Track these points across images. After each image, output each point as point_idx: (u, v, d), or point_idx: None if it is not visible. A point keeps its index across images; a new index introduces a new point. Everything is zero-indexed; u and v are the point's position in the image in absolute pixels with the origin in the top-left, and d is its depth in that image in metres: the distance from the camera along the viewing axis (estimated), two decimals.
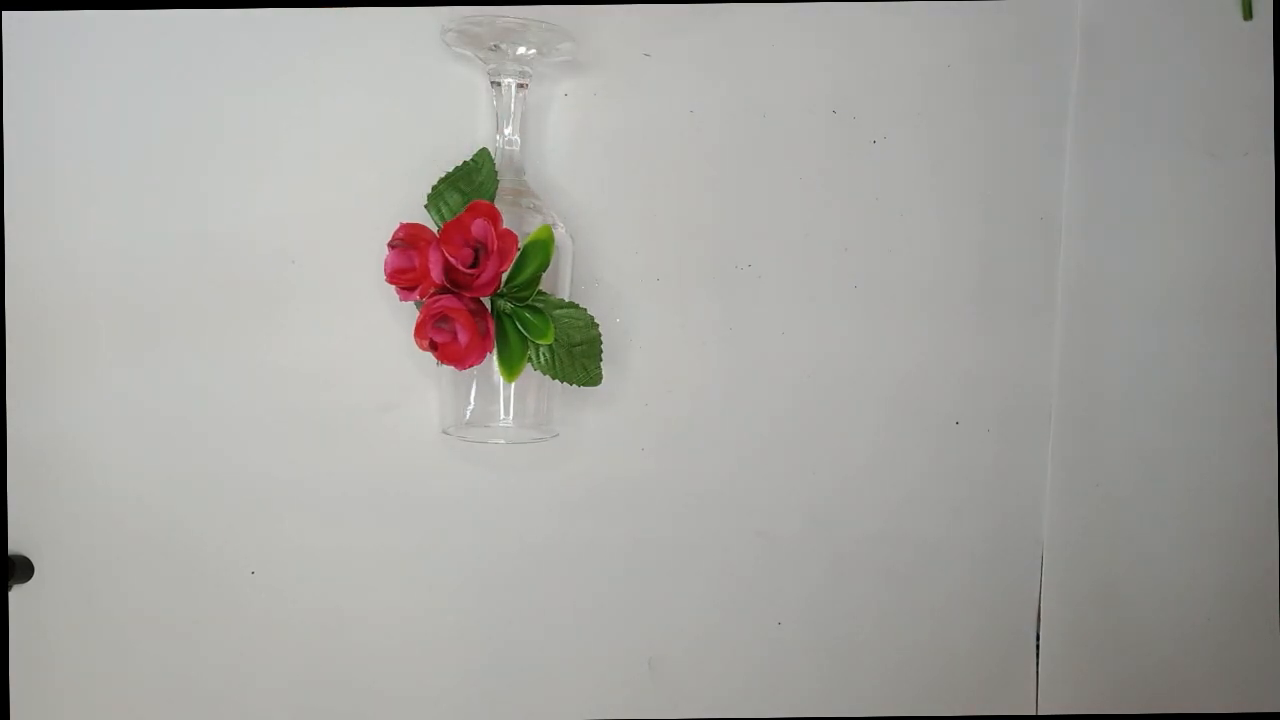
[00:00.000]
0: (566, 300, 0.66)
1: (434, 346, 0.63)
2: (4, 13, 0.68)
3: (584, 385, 0.67)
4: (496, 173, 0.67)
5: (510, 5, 0.64)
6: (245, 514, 0.71)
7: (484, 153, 0.67)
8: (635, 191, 0.72)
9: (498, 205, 0.65)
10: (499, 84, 0.67)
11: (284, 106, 0.71)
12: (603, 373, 0.68)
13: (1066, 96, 0.73)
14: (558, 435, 0.70)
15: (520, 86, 0.67)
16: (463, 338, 0.62)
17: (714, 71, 0.72)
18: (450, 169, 0.67)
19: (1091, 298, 0.74)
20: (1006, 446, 0.74)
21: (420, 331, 0.63)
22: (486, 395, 0.67)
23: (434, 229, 0.65)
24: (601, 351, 0.67)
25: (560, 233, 0.67)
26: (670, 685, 0.74)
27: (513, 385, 0.66)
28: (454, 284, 0.63)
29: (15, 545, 0.71)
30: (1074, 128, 0.73)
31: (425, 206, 0.67)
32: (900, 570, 0.74)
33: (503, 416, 0.67)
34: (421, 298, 0.63)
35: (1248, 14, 0.72)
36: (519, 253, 0.64)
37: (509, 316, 0.64)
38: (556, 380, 0.66)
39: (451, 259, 0.62)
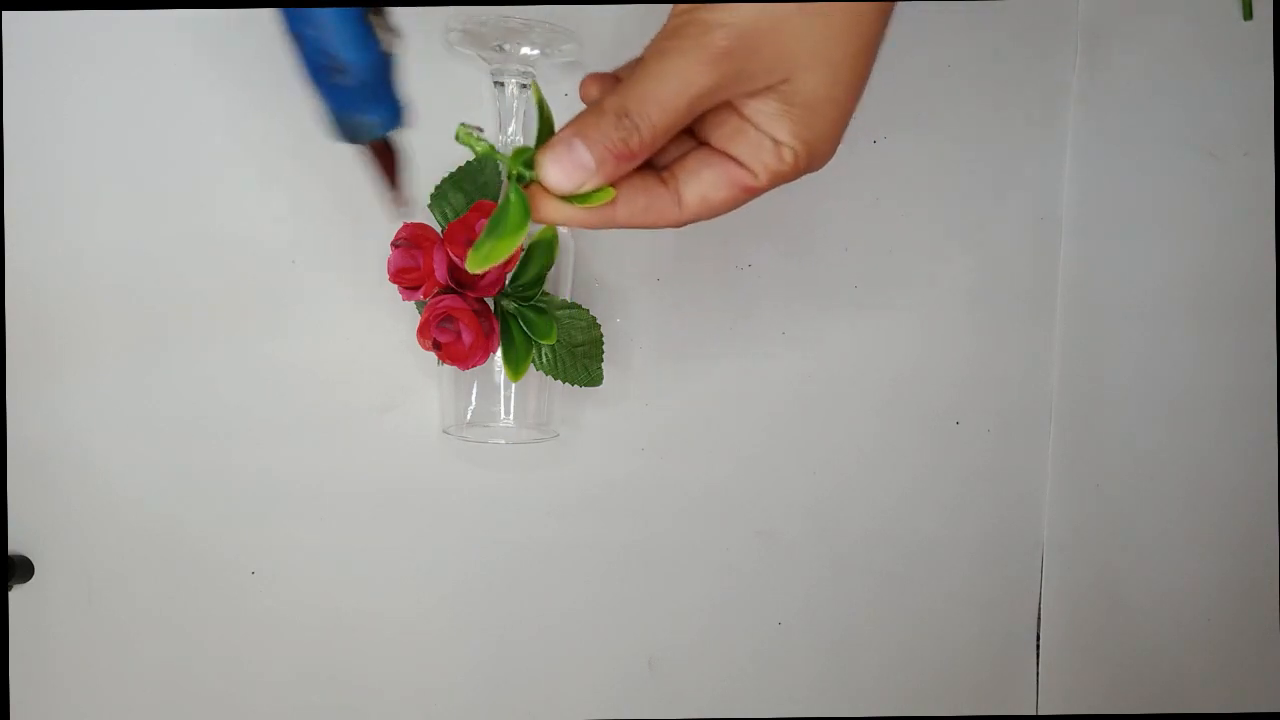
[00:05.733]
0: (569, 300, 0.66)
1: (437, 346, 0.63)
2: (4, 13, 0.68)
3: (586, 385, 0.67)
4: (500, 173, 0.67)
5: (509, 5, 0.64)
6: (246, 514, 0.71)
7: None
8: None
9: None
10: (502, 84, 0.67)
11: (286, 105, 0.71)
12: (604, 373, 0.68)
13: (1066, 96, 0.73)
14: (558, 435, 0.70)
15: (523, 87, 0.67)
16: (467, 338, 0.62)
17: None
18: (453, 169, 0.67)
19: (1091, 298, 0.74)
20: (1006, 446, 0.74)
21: (424, 331, 0.63)
22: (487, 395, 0.67)
23: (437, 229, 0.65)
24: (603, 352, 0.67)
25: (563, 233, 0.67)
26: (670, 685, 0.74)
27: (514, 385, 0.66)
28: (458, 284, 0.63)
29: (15, 545, 0.71)
30: (1074, 128, 0.73)
31: (428, 206, 0.67)
32: (900, 570, 0.74)
33: (503, 416, 0.67)
34: (425, 298, 0.63)
35: (1248, 14, 0.72)
36: (523, 253, 0.64)
37: (513, 316, 0.64)
38: (558, 380, 0.66)
39: (456, 259, 0.62)
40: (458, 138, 0.47)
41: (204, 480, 0.71)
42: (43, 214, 0.70)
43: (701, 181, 0.49)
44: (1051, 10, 0.73)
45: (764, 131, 0.48)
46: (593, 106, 0.46)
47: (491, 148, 0.47)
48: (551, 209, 0.47)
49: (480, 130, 0.47)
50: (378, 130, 0.52)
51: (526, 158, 0.47)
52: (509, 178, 0.47)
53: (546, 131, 0.48)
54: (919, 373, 0.74)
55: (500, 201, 0.47)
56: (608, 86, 0.50)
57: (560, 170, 0.46)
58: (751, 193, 0.49)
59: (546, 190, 0.47)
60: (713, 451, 0.73)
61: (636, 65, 0.46)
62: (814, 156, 0.49)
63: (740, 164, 0.48)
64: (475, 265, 0.47)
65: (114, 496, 0.71)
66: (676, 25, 0.45)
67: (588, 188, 0.47)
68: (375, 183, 0.55)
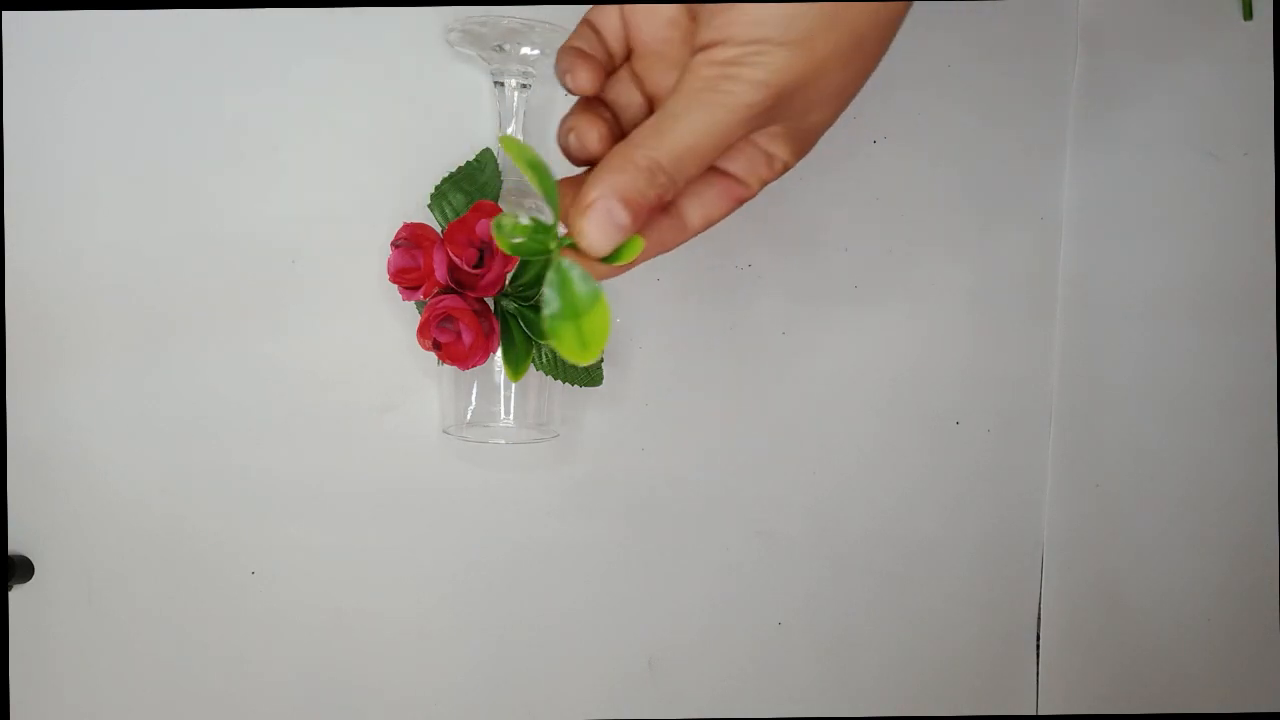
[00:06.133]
0: None
1: (437, 346, 0.63)
2: (4, 13, 0.68)
3: (586, 386, 0.67)
4: (500, 173, 0.67)
5: (510, 4, 0.64)
6: (246, 513, 0.71)
7: (487, 153, 0.67)
8: None
9: (501, 205, 0.65)
10: (502, 84, 0.67)
11: (286, 106, 0.71)
12: (604, 373, 0.68)
13: (1066, 96, 0.73)
14: (558, 435, 0.70)
15: (523, 87, 0.67)
16: (467, 338, 0.62)
17: None
18: (453, 169, 0.67)
19: (1091, 298, 0.74)
20: (1006, 446, 0.74)
21: (424, 331, 0.63)
22: (487, 395, 0.67)
23: (437, 229, 0.65)
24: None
25: (563, 233, 0.66)
26: (670, 685, 0.74)
27: (514, 385, 0.66)
28: (458, 284, 0.63)
29: (15, 545, 0.71)
30: (1074, 128, 0.73)
31: (428, 206, 0.67)
32: (900, 570, 0.74)
33: (503, 416, 0.67)
34: (425, 298, 0.63)
35: (1248, 14, 0.72)
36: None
37: (513, 316, 0.64)
38: (558, 380, 0.67)
39: (456, 259, 0.62)
40: (501, 229, 0.44)
41: (204, 480, 0.71)
42: (43, 214, 0.70)
43: (704, 202, 0.49)
44: (1051, 10, 0.73)
45: (760, 148, 0.48)
46: (619, 156, 0.45)
47: (531, 229, 0.45)
48: (588, 269, 0.46)
49: (519, 217, 0.44)
50: None
51: (558, 233, 0.45)
52: (551, 252, 0.45)
53: (549, 186, 0.45)
54: (919, 373, 0.74)
55: (552, 278, 0.44)
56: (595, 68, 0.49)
57: (601, 234, 0.45)
58: (744, 202, 0.50)
59: (578, 252, 0.45)
60: (713, 451, 0.73)
61: (662, 111, 0.45)
62: (799, 160, 0.49)
63: (735, 178, 0.49)
64: (585, 356, 0.45)
65: (114, 496, 0.71)
66: (713, 76, 0.44)
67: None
68: None
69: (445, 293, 0.63)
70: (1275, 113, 0.73)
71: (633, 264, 0.47)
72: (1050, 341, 0.74)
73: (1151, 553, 0.75)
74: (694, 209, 0.49)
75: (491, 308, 0.64)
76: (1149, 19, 0.73)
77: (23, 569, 0.70)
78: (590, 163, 0.48)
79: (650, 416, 0.73)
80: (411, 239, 0.64)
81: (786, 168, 0.49)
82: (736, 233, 0.73)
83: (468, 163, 0.67)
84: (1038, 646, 0.75)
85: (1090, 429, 0.74)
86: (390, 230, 0.65)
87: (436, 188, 0.67)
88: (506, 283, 0.64)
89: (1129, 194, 0.74)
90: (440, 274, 0.62)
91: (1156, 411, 0.74)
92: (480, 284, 0.63)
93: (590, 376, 0.67)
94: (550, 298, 0.44)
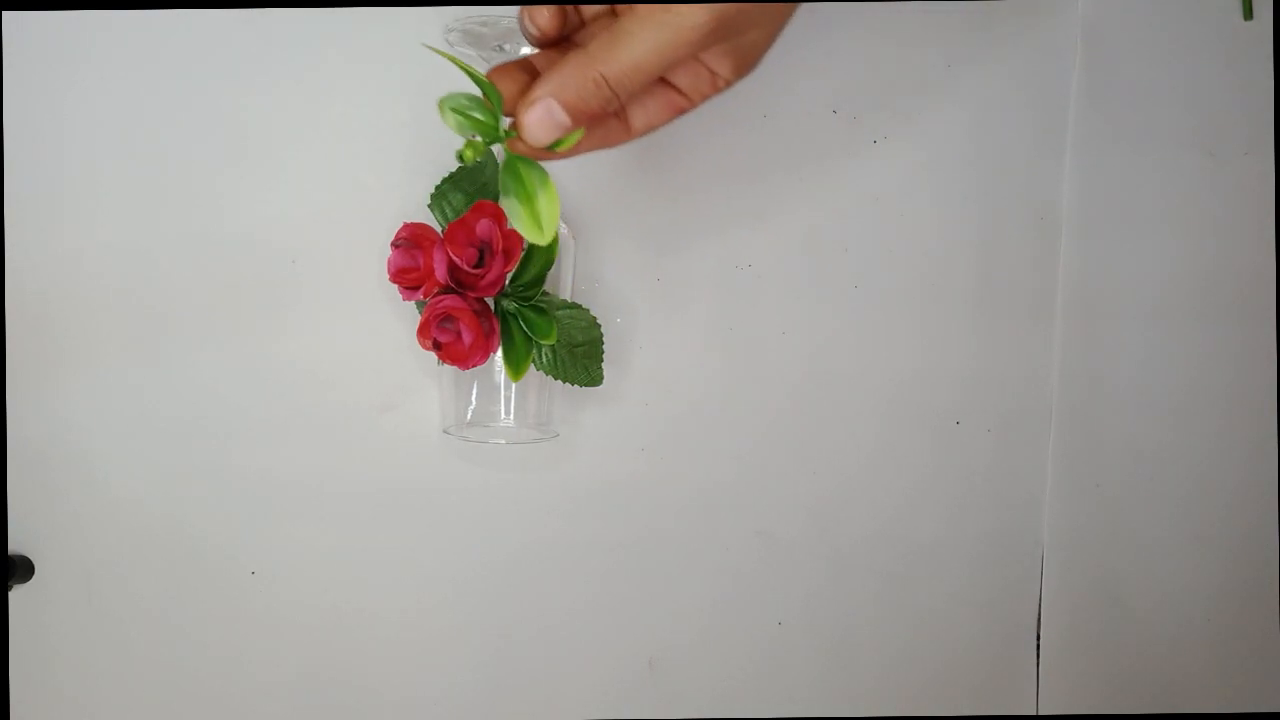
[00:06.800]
0: (569, 300, 0.66)
1: (437, 346, 0.63)
2: (4, 13, 0.68)
3: (586, 385, 0.67)
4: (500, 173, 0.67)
5: (510, 4, 0.64)
6: (246, 513, 0.71)
7: (487, 152, 0.67)
8: (635, 191, 0.72)
9: (501, 205, 0.65)
10: None
11: (286, 106, 0.71)
12: (604, 373, 0.68)
13: (1066, 96, 0.73)
14: (558, 435, 0.70)
15: None
16: (467, 338, 0.62)
17: None
18: (453, 169, 0.67)
19: (1091, 298, 0.74)
20: (1006, 446, 0.74)
21: (424, 331, 0.63)
22: (487, 395, 0.67)
23: (437, 229, 0.65)
24: (603, 352, 0.67)
25: (563, 232, 0.67)
26: (670, 685, 0.74)
27: (514, 385, 0.66)
28: (458, 284, 0.63)
29: (15, 545, 0.71)
30: (1074, 128, 0.73)
31: (428, 206, 0.67)
32: (900, 570, 0.74)
33: (504, 416, 0.67)
34: (425, 297, 0.63)
35: (1248, 14, 0.72)
36: (523, 253, 0.64)
37: (513, 316, 0.64)
38: (558, 380, 0.66)
39: (456, 259, 0.62)
40: (463, 157, 0.51)
41: (204, 480, 0.71)
42: (43, 214, 0.70)
43: (647, 110, 0.54)
44: (1051, 10, 0.73)
45: (705, 65, 0.52)
46: (571, 64, 0.49)
47: (485, 142, 0.51)
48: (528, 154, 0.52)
49: (475, 136, 0.50)
50: None
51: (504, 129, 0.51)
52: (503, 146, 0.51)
53: (489, 88, 0.50)
54: (919, 373, 0.74)
55: (506, 172, 0.51)
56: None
57: (541, 129, 0.50)
58: (684, 112, 0.54)
59: (523, 140, 0.51)
60: (713, 451, 0.73)
61: (616, 27, 0.49)
62: (739, 78, 0.54)
63: (679, 91, 0.53)
64: (542, 236, 0.51)
65: (114, 496, 0.71)
66: None
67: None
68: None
69: (445, 293, 0.63)
70: (1275, 113, 0.73)
71: (571, 153, 0.53)
72: (1050, 341, 0.74)
73: (1151, 553, 0.75)
74: (638, 115, 0.54)
75: (491, 308, 0.64)
76: (1149, 19, 0.73)
77: (23, 569, 0.70)
78: (543, 44, 0.53)
79: (650, 416, 0.73)
80: (411, 239, 0.64)
81: (728, 84, 0.53)
82: (736, 233, 0.73)
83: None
84: (1038, 646, 0.75)
85: (1090, 429, 0.74)
86: (390, 230, 0.65)
87: (437, 188, 0.67)
88: (506, 283, 0.64)
89: (1129, 194, 0.74)
90: (440, 274, 0.62)
91: (1156, 411, 0.74)
92: (480, 284, 0.63)
93: (590, 376, 0.67)
94: (506, 184, 0.51)
